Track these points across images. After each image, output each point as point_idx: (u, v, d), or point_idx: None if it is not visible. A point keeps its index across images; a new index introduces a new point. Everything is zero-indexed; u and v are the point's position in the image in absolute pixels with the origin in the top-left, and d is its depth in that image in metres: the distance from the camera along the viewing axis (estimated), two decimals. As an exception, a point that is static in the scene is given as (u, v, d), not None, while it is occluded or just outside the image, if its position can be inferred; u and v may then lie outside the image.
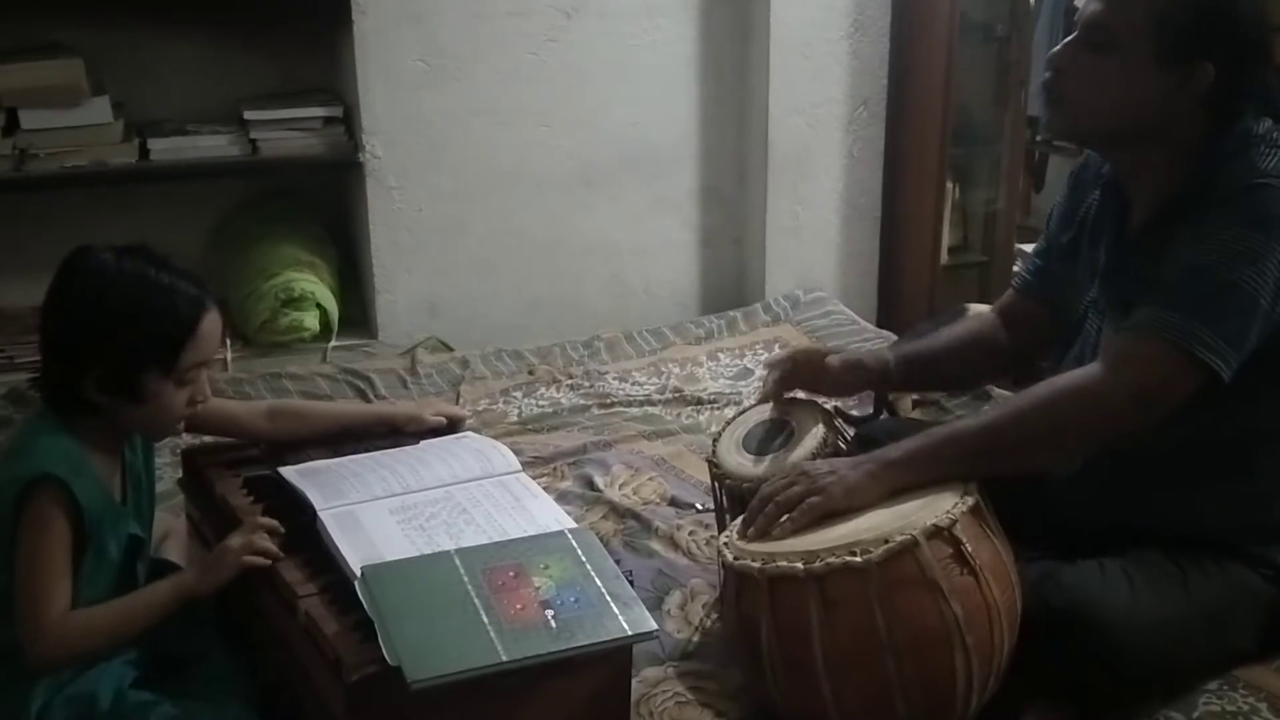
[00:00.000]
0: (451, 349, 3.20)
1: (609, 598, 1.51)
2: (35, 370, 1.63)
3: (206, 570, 1.62)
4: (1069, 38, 1.71)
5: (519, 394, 2.91)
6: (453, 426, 2.00)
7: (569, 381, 2.97)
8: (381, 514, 1.68)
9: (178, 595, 1.59)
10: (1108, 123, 1.69)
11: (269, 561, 1.60)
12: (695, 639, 1.86)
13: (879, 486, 1.62)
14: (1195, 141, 1.66)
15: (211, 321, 1.60)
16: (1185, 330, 1.56)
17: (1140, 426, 1.59)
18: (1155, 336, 1.58)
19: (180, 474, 1.99)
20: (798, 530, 1.59)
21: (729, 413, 2.59)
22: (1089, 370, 1.63)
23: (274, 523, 1.64)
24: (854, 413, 2.11)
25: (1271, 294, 1.56)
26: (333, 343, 3.14)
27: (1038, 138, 4.11)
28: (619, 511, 2.26)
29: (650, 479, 2.42)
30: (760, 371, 3.01)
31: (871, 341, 3.13)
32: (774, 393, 1.96)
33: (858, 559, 1.48)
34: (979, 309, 2.78)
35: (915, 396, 2.71)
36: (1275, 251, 1.56)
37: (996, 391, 2.75)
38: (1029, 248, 2.31)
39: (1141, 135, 1.68)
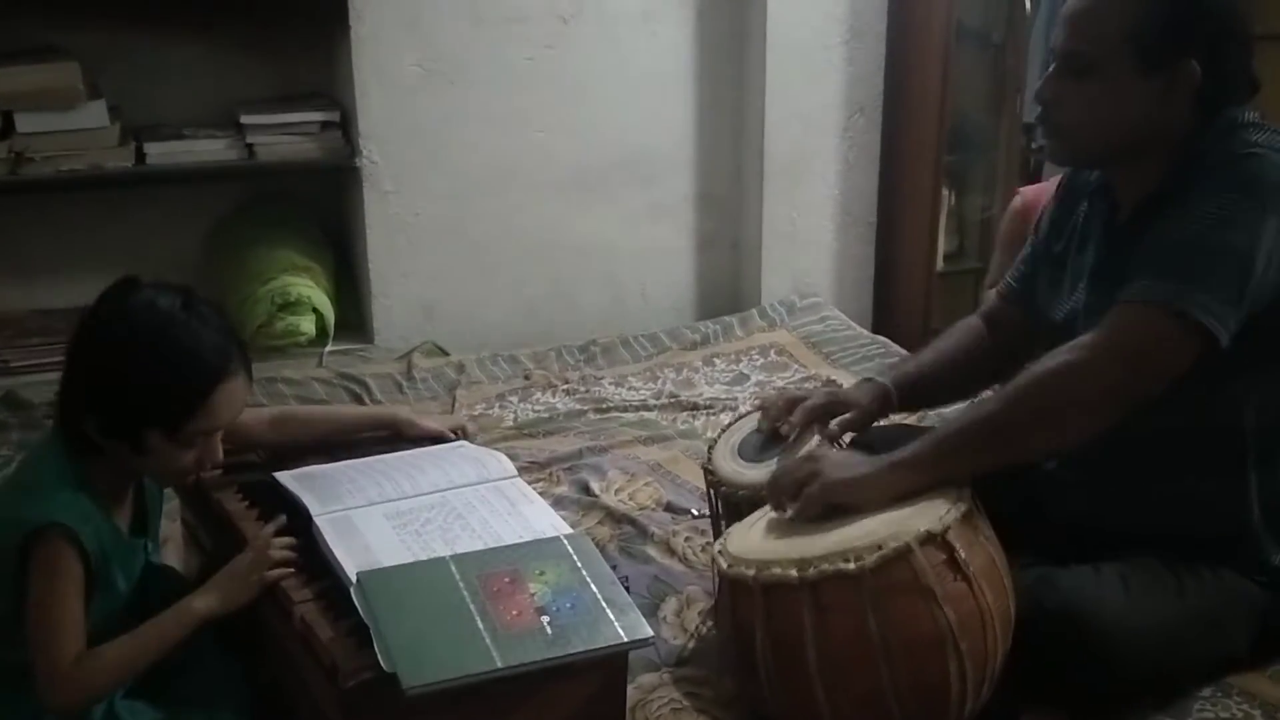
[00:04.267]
0: (447, 353, 3.19)
1: (605, 604, 1.51)
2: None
3: (224, 594, 1.58)
4: (1050, 69, 1.71)
5: (515, 399, 2.91)
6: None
7: (565, 386, 2.97)
8: (377, 519, 1.68)
9: (190, 624, 1.55)
10: (1107, 142, 1.69)
11: (291, 572, 1.58)
12: (691, 645, 1.86)
13: (884, 487, 1.61)
14: (1185, 133, 1.66)
15: (228, 391, 1.56)
16: (1177, 293, 1.53)
17: (1137, 396, 1.56)
18: (1146, 303, 1.56)
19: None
20: (805, 515, 1.61)
21: (724, 418, 2.59)
22: (1078, 343, 1.60)
23: (288, 541, 1.63)
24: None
25: (1264, 259, 1.55)
26: (329, 347, 3.13)
27: (1033, 145, 4.11)
28: (615, 517, 2.26)
29: (646, 484, 2.42)
30: (757, 376, 3.02)
31: (867, 347, 3.15)
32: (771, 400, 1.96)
33: (851, 565, 1.48)
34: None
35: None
36: (1266, 217, 1.54)
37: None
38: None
39: (1142, 144, 1.68)
